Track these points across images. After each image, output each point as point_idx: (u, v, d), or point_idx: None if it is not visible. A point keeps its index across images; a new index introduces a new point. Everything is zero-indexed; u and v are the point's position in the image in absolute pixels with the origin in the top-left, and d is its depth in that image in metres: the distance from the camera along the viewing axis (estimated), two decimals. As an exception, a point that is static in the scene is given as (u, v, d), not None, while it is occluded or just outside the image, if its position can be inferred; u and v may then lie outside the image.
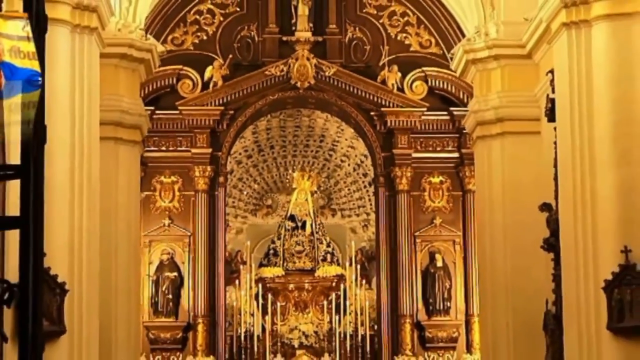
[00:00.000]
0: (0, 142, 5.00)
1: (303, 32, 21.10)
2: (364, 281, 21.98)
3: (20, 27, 4.64)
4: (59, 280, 11.73)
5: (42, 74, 4.72)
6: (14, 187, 4.68)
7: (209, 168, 20.81)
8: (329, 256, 21.97)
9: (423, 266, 20.91)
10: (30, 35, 4.66)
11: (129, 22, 15.81)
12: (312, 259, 21.94)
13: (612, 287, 11.44)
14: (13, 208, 4.87)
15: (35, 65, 4.63)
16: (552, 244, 13.15)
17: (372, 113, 21.21)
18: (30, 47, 4.63)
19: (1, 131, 4.67)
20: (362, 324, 21.12)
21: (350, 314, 21.32)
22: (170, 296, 20.45)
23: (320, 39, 21.24)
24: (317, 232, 22.18)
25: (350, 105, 21.27)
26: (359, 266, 21.97)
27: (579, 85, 12.22)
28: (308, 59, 20.89)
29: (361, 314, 21.20)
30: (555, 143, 13.01)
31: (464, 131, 19.04)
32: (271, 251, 22.15)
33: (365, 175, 23.28)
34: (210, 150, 20.88)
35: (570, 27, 12.35)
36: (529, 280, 14.54)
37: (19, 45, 4.61)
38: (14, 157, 4.82)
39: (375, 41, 21.46)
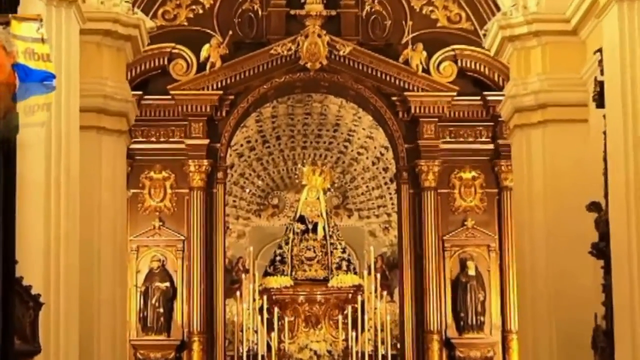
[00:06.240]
0: None
1: (314, 5, 21.13)
2: (384, 292, 22.03)
3: (35, 29, 5.08)
4: (33, 291, 11.72)
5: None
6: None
7: (205, 162, 20.86)
8: (344, 264, 22.01)
9: (453, 275, 20.96)
10: (45, 37, 5.10)
11: (114, -6, 15.87)
12: (324, 267, 21.98)
13: (670, 300, 11.47)
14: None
15: (49, 67, 5.15)
16: (601, 250, 13.13)
17: (393, 98, 21.25)
18: (45, 49, 5.07)
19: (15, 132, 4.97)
20: (382, 342, 21.16)
21: (369, 330, 21.38)
22: (161, 310, 20.52)
23: (333, 13, 21.27)
24: (330, 236, 22.21)
25: (368, 89, 21.30)
26: (379, 275, 22.00)
27: (632, 66, 12.20)
28: (320, 36, 20.91)
29: (382, 330, 21.23)
30: (604, 133, 13.01)
31: (500, 119, 19.05)
32: (278, 258, 22.19)
33: (385, 170, 23.32)
34: (207, 141, 20.92)
35: (622, -2, 12.37)
36: (575, 290, 14.55)
37: (33, 47, 5.02)
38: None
39: (397, 16, 21.49)
